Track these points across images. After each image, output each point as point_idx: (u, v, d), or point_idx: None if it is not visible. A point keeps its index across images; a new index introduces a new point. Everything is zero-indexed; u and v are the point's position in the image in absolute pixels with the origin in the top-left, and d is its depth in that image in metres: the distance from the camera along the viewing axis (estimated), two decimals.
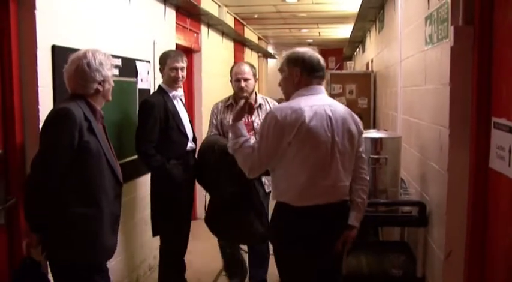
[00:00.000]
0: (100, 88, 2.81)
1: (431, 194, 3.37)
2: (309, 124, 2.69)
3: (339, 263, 2.92)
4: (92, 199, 2.69)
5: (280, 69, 2.92)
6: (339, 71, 8.17)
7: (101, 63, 2.80)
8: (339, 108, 2.84)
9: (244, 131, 2.88)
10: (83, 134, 2.65)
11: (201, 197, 5.86)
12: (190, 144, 4.15)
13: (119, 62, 4.14)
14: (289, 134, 2.68)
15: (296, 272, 2.79)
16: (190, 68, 6.86)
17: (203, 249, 5.42)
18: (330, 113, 2.77)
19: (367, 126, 5.72)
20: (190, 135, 4.18)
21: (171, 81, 4.10)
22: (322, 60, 2.84)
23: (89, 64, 2.78)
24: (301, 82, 2.82)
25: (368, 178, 2.94)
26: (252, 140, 2.88)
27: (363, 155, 2.93)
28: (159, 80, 4.37)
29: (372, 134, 3.62)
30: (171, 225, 4.04)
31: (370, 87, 7.26)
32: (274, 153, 2.72)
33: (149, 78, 4.69)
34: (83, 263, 2.74)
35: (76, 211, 2.66)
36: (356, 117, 2.93)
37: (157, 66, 4.28)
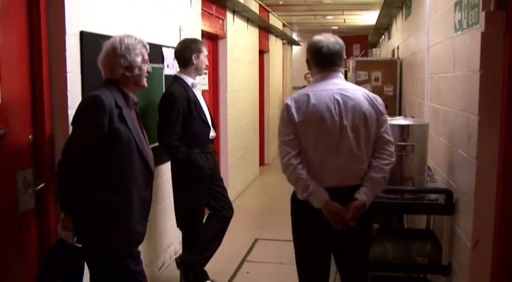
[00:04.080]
0: (128, 74, 2.79)
1: (458, 182, 3.29)
2: (313, 108, 2.75)
3: (358, 249, 2.93)
4: (122, 186, 2.69)
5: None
6: (364, 58, 7.97)
7: (127, 48, 2.77)
8: (352, 92, 2.85)
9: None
10: (113, 121, 2.64)
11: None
12: (212, 133, 4.13)
13: None
14: (297, 118, 2.75)
15: (304, 255, 2.94)
16: (215, 55, 6.78)
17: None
18: (338, 97, 2.79)
19: (393, 113, 5.91)
20: (210, 123, 4.16)
21: (200, 69, 4.05)
22: (334, 46, 2.86)
23: (114, 49, 2.77)
24: (315, 69, 2.91)
25: (392, 159, 2.90)
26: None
27: (386, 136, 2.90)
28: None
29: (399, 120, 3.52)
30: (193, 214, 4.06)
31: (396, 75, 7.14)
32: (291, 138, 2.78)
33: (175, 65, 4.52)
34: (114, 249, 2.75)
35: (106, 198, 2.66)
36: (377, 99, 2.92)
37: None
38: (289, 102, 2.82)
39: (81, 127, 2.62)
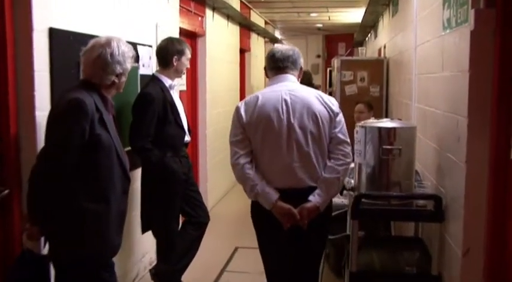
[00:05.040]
0: (116, 80, 2.82)
1: (447, 187, 3.28)
2: (260, 109, 2.92)
3: (310, 252, 3.07)
4: (101, 195, 2.69)
5: None
6: (349, 57, 8.01)
7: (123, 55, 2.79)
8: (301, 92, 3.00)
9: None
10: (94, 126, 2.64)
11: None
12: (187, 138, 4.11)
13: None
14: (245, 119, 2.93)
15: (265, 256, 3.13)
16: (194, 53, 6.69)
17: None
18: (286, 97, 2.95)
19: (379, 115, 5.77)
20: (186, 127, 4.12)
21: (180, 71, 4.05)
22: (287, 52, 3.12)
23: (112, 54, 2.76)
24: (269, 73, 3.16)
25: (347, 160, 2.99)
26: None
27: (340, 136, 3.01)
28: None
29: (385, 123, 3.51)
30: (167, 221, 4.02)
31: (383, 74, 7.14)
32: (239, 138, 2.95)
33: (151, 64, 4.59)
34: (89, 260, 2.73)
35: (84, 206, 2.65)
36: (330, 99, 3.04)
37: None
38: (240, 104, 3.02)
39: (61, 132, 2.60)
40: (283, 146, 2.91)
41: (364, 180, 3.47)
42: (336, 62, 7.82)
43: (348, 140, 3.05)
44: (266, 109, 2.94)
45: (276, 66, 3.12)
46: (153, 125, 3.83)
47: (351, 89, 7.21)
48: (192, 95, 6.78)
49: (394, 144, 3.39)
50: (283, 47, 3.16)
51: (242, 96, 9.66)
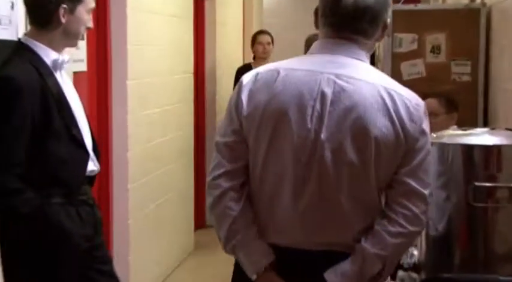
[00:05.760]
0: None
1: None
2: (276, 97, 2.40)
3: None
4: None
5: None
6: (410, 6, 6.33)
7: None
8: (358, 82, 2.39)
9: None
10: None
11: None
12: (92, 166, 3.35)
13: None
14: (246, 108, 2.43)
15: None
16: (102, 2, 5.18)
17: None
18: (327, 89, 2.38)
19: (469, 120, 4.72)
20: (89, 145, 3.32)
21: (75, 34, 3.32)
22: None
23: None
24: (321, 30, 2.50)
25: (412, 229, 2.42)
26: None
27: (412, 182, 2.40)
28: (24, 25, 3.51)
29: (482, 136, 2.68)
30: None
31: (479, 39, 5.64)
32: (231, 141, 2.48)
33: (14, 19, 3.64)
34: None
35: None
36: (408, 102, 2.39)
37: None
38: (247, 78, 2.50)
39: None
40: (296, 177, 2.41)
41: (438, 249, 2.79)
42: None
43: (426, 191, 2.41)
44: (284, 102, 2.41)
45: (336, 21, 2.44)
46: (24, 141, 3.13)
47: (413, 69, 5.45)
48: (98, 81, 5.32)
49: (499, 178, 2.62)
50: None
51: (200, 84, 7.85)
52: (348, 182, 2.36)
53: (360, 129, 2.34)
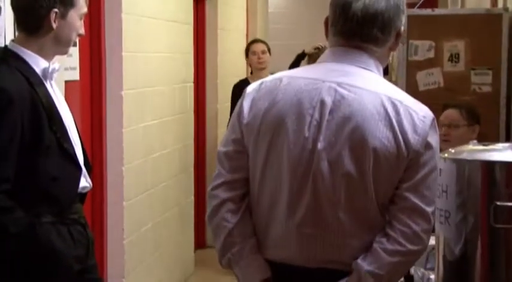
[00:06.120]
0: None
1: None
2: (278, 104, 2.44)
3: None
4: None
5: None
6: (427, 11, 6.21)
7: None
8: (359, 90, 2.38)
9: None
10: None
11: None
12: (84, 182, 3.27)
13: None
14: (246, 117, 2.49)
15: None
16: (97, 7, 5.03)
17: None
18: (327, 97, 2.38)
19: (490, 134, 4.63)
20: (81, 159, 3.25)
21: (66, 41, 3.28)
22: (377, 3, 2.40)
23: None
24: (331, 38, 2.49)
25: (411, 247, 2.39)
26: None
27: (413, 198, 2.36)
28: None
29: (503, 152, 2.41)
30: None
31: (501, 47, 5.52)
32: (233, 150, 2.51)
33: (0, 24, 3.62)
34: None
35: None
36: (413, 113, 2.37)
37: None
38: (252, 87, 2.54)
39: None
40: (291, 188, 2.39)
41: (456, 273, 2.46)
42: None
43: (429, 209, 2.35)
44: (283, 110, 2.45)
45: (345, 29, 2.45)
46: (13, 156, 3.07)
47: (429, 79, 5.35)
48: (92, 91, 5.09)
49: None
50: None
51: (200, 94, 7.68)
52: (346, 195, 2.34)
53: (357, 139, 2.33)
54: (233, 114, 2.56)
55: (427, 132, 2.33)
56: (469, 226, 2.38)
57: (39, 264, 3.07)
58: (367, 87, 2.39)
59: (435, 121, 2.40)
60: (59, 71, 3.26)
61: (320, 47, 7.76)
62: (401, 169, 2.33)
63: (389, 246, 2.37)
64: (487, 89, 5.29)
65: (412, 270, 2.83)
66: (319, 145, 2.37)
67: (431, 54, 5.36)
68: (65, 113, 3.20)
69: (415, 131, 2.34)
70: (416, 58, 5.37)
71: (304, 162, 2.38)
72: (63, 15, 3.09)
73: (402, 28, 2.47)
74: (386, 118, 2.34)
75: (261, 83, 2.50)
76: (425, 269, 2.82)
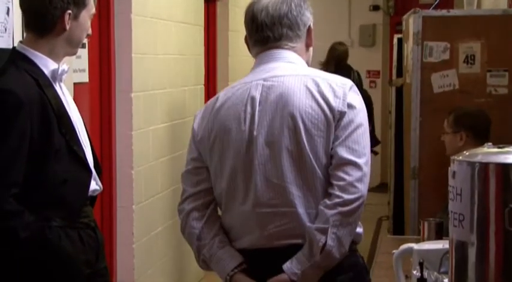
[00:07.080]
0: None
1: None
2: (217, 115, 2.70)
3: None
4: None
5: None
6: (442, 12, 6.07)
7: None
8: (283, 78, 2.66)
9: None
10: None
11: None
12: (94, 185, 3.22)
13: None
14: (197, 135, 2.74)
15: None
16: (106, 9, 4.99)
17: None
18: (255, 92, 2.64)
19: (506, 137, 4.41)
20: (91, 162, 3.20)
21: (76, 41, 3.25)
22: (278, 7, 2.67)
23: None
24: (252, 51, 2.81)
25: (346, 196, 2.53)
26: None
27: (341, 152, 2.54)
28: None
29: None
30: None
31: None
32: (192, 168, 2.75)
33: (9, 26, 3.53)
34: None
35: None
36: (334, 85, 2.60)
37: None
38: (199, 110, 2.87)
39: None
40: (240, 177, 2.61)
41: (469, 277, 2.44)
42: (412, 22, 6.11)
43: (360, 160, 2.54)
44: (224, 116, 2.68)
45: (261, 37, 2.73)
46: (22, 160, 3.04)
47: (444, 81, 5.24)
48: (101, 93, 5.03)
49: None
50: (270, 1, 2.74)
51: (211, 97, 7.47)
52: (291, 170, 2.52)
53: (287, 115, 2.54)
54: (190, 138, 2.79)
55: (346, 94, 2.52)
56: (483, 229, 2.39)
57: (49, 269, 3.07)
58: (289, 73, 2.62)
59: (355, 87, 2.61)
60: (68, 73, 3.25)
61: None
62: (330, 130, 2.52)
63: (329, 202, 2.50)
64: (503, 91, 5.23)
65: (425, 274, 2.86)
66: (255, 132, 2.58)
67: (447, 56, 5.29)
68: (75, 115, 3.21)
69: (335, 95, 2.53)
70: (431, 60, 5.29)
71: (246, 151, 2.57)
72: (75, 16, 3.09)
73: (311, 24, 2.72)
74: (308, 91, 2.56)
75: (206, 105, 2.80)
76: (439, 272, 2.79)
